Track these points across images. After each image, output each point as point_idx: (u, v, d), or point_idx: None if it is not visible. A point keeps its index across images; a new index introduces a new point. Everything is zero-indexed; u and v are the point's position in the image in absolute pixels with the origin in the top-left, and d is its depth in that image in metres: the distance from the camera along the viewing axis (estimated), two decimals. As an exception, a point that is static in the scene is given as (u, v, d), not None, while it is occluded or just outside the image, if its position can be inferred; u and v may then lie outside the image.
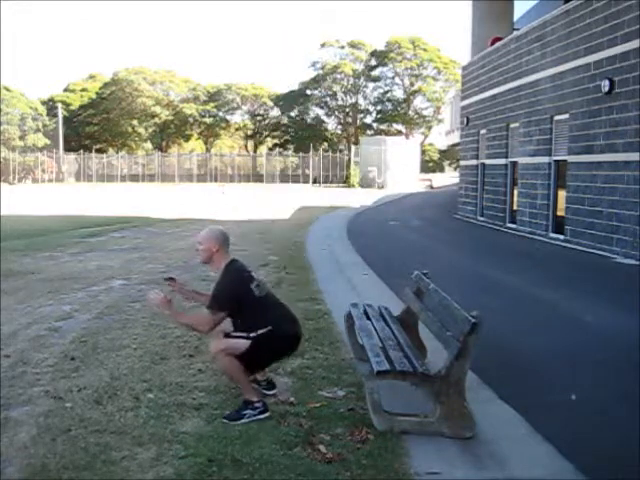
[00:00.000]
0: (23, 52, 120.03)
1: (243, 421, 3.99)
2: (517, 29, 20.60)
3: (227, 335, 4.26)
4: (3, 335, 5.88)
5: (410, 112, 66.12)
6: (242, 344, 4.08)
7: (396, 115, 66.43)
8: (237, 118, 72.92)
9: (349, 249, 13.44)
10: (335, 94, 67.22)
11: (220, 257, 4.38)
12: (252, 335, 4.11)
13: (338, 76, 65.90)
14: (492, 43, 20.79)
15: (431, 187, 46.25)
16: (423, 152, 62.37)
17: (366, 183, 47.21)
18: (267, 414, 4.07)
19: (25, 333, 6.02)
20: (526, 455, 3.70)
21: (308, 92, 67.61)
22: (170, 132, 72.40)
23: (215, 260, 4.40)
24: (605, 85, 13.18)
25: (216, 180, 63.39)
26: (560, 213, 15.65)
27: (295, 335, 4.39)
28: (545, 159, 16.28)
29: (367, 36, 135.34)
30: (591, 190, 13.86)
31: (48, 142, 64.07)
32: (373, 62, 66.07)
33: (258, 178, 63.25)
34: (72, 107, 68.61)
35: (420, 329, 5.23)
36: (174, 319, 4.59)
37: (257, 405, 4.08)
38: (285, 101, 67.96)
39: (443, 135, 40.79)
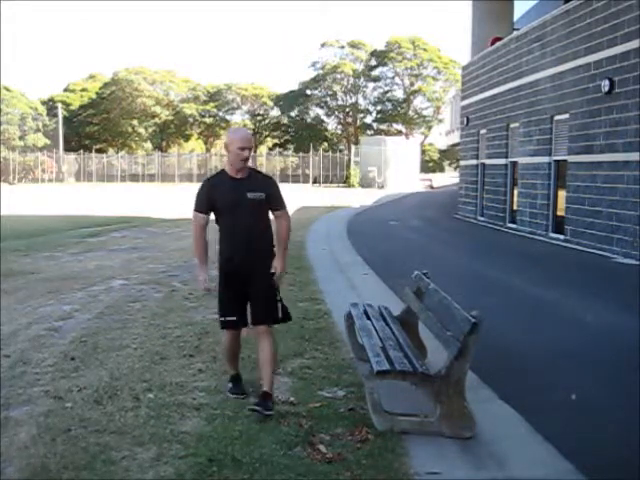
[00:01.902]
0: (23, 52, 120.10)
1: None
2: (517, 29, 20.60)
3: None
4: (3, 335, 5.88)
5: (410, 112, 66.10)
6: None
7: (396, 115, 66.43)
8: (237, 118, 72.91)
9: (349, 249, 13.43)
10: (335, 94, 67.21)
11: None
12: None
13: (338, 76, 65.88)
14: (492, 43, 20.79)
15: (431, 187, 46.26)
16: (423, 152, 62.38)
17: (366, 183, 47.22)
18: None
19: (25, 333, 6.02)
20: (526, 455, 3.70)
21: (308, 92, 67.59)
22: (170, 132, 72.40)
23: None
24: (605, 85, 13.18)
25: (216, 180, 63.25)
26: (560, 213, 15.65)
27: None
28: (545, 159, 16.28)
29: (367, 36, 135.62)
30: (591, 190, 13.85)
31: (48, 142, 64.08)
32: (373, 62, 66.06)
33: (258, 178, 63.14)
34: (72, 107, 68.60)
35: (420, 329, 5.23)
36: None
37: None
38: (285, 101, 67.94)
39: (443, 135, 40.80)
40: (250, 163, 4.44)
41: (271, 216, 4.45)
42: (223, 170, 4.46)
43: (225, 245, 4.32)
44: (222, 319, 4.35)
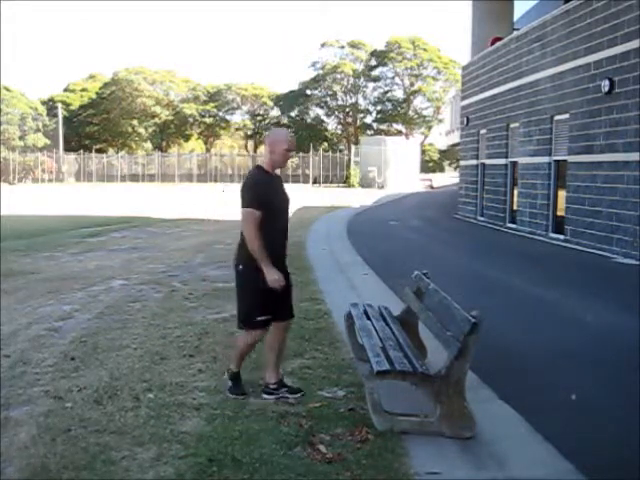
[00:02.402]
0: (23, 52, 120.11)
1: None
2: (517, 29, 20.60)
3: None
4: (3, 335, 5.88)
5: (410, 112, 66.10)
6: None
7: (396, 115, 66.43)
8: (237, 118, 72.97)
9: (349, 249, 13.43)
10: (335, 94, 67.22)
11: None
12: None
13: (338, 76, 65.88)
14: (492, 43, 20.80)
15: (431, 187, 46.24)
16: (423, 152, 62.37)
17: (366, 183, 47.21)
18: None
19: (25, 333, 6.02)
20: (526, 455, 3.70)
21: (308, 92, 67.59)
22: (170, 132, 72.41)
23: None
24: (605, 85, 13.18)
25: (216, 180, 63.37)
26: (560, 213, 15.65)
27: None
28: (545, 159, 16.28)
29: (367, 36, 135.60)
30: (591, 190, 13.85)
31: (48, 142, 64.09)
32: (373, 62, 66.06)
33: (258, 178, 63.17)
34: (72, 107, 68.61)
35: (420, 329, 5.23)
36: None
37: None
38: (285, 101, 67.95)
39: (443, 135, 40.79)
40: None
41: None
42: (261, 168, 4.49)
43: (271, 243, 4.35)
44: (259, 318, 4.38)
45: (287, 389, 4.45)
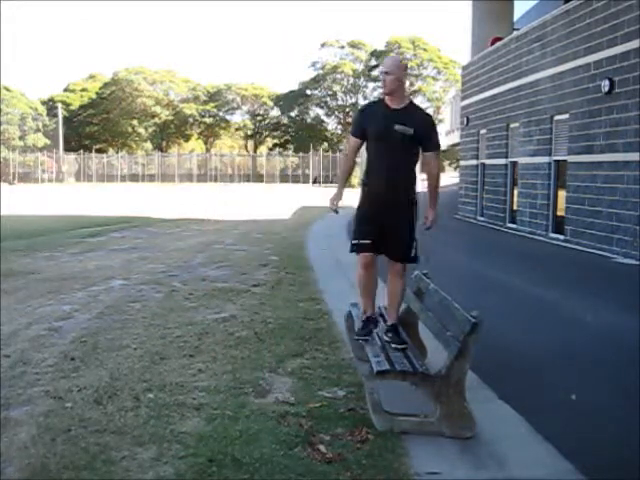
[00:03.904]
0: (23, 52, 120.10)
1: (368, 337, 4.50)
2: (517, 29, 20.60)
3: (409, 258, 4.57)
4: (3, 335, 5.88)
5: (410, 112, 66.03)
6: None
7: (396, 115, 66.38)
8: (237, 118, 73.02)
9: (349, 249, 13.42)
10: (335, 94, 67.25)
11: (403, 91, 4.51)
12: (414, 235, 4.52)
13: (338, 76, 65.91)
14: (492, 43, 20.79)
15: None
16: (423, 152, 62.30)
17: (366, 183, 47.11)
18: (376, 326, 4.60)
19: (25, 333, 6.02)
20: (526, 455, 3.70)
21: (308, 92, 67.62)
22: (170, 132, 72.45)
23: (400, 92, 4.47)
24: (605, 85, 13.18)
25: (216, 180, 63.43)
26: (560, 213, 15.65)
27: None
28: (545, 159, 16.28)
29: (367, 36, 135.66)
30: (591, 190, 13.85)
31: (48, 142, 64.12)
32: (373, 62, 66.07)
33: (258, 178, 63.29)
34: (72, 107, 68.65)
35: (420, 329, 5.23)
36: None
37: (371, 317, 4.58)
38: (285, 101, 67.97)
39: (443, 135, 40.73)
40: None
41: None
42: (382, 99, 4.54)
43: (371, 175, 4.43)
44: (356, 242, 4.44)
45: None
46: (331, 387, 4.60)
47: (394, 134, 4.36)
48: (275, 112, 71.05)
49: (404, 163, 4.45)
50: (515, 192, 18.59)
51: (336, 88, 66.28)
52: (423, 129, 4.45)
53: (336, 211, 4.80)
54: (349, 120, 68.63)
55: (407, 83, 49.89)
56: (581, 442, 3.88)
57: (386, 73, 4.43)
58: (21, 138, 64.45)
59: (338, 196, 4.78)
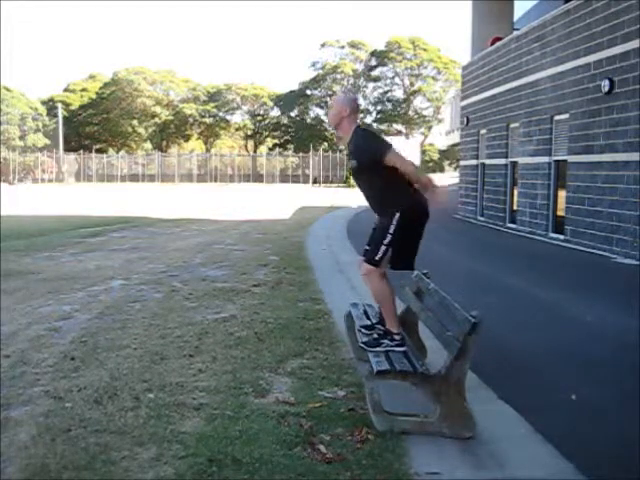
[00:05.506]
0: (23, 52, 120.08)
1: (379, 349, 4.34)
2: (517, 29, 20.60)
3: (369, 260, 4.57)
4: (3, 335, 5.88)
5: (410, 112, 66.15)
6: (388, 254, 4.49)
7: (396, 115, 66.48)
8: (237, 118, 73.08)
9: (349, 249, 13.42)
10: (335, 94, 67.19)
11: (349, 122, 4.64)
12: (387, 241, 4.48)
13: (338, 76, 65.95)
14: (492, 43, 20.80)
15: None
16: (423, 152, 62.39)
17: (366, 183, 47.10)
18: (404, 348, 4.38)
19: (25, 333, 6.02)
20: (526, 455, 3.70)
21: (308, 92, 67.66)
22: (170, 132, 72.50)
23: (344, 124, 4.66)
24: (605, 85, 13.18)
25: (216, 180, 63.42)
26: (560, 213, 15.65)
27: (422, 207, 4.57)
28: (545, 159, 16.28)
29: (367, 36, 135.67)
30: (591, 190, 13.86)
31: (48, 142, 64.14)
32: (373, 62, 66.13)
33: (258, 178, 63.31)
34: (72, 107, 68.68)
35: (420, 329, 5.23)
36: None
37: (396, 337, 4.46)
38: (285, 101, 68.01)
39: (443, 135, 40.79)
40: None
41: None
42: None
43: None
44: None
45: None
46: (331, 387, 4.60)
47: (352, 168, 4.77)
48: (275, 112, 71.10)
49: (370, 188, 4.72)
50: (515, 192, 18.59)
51: (336, 88, 66.26)
52: (361, 151, 4.60)
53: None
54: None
55: (407, 83, 49.41)
56: (581, 442, 3.88)
57: (330, 108, 4.80)
58: (21, 138, 64.47)
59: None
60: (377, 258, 4.56)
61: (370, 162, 4.54)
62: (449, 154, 61.85)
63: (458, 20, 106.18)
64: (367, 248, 4.69)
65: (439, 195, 4.60)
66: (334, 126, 4.78)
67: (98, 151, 68.04)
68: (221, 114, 71.04)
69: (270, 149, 71.71)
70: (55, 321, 6.51)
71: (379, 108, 67.29)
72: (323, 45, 66.92)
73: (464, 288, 8.06)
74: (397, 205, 4.53)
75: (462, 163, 24.58)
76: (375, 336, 4.55)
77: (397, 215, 4.49)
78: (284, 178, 62.77)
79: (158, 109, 69.29)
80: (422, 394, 3.99)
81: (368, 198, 4.79)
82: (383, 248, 4.54)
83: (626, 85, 12.57)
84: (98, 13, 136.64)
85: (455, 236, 17.58)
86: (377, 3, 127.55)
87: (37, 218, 21.01)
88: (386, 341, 4.43)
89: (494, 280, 9.97)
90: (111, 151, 71.25)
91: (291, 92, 67.94)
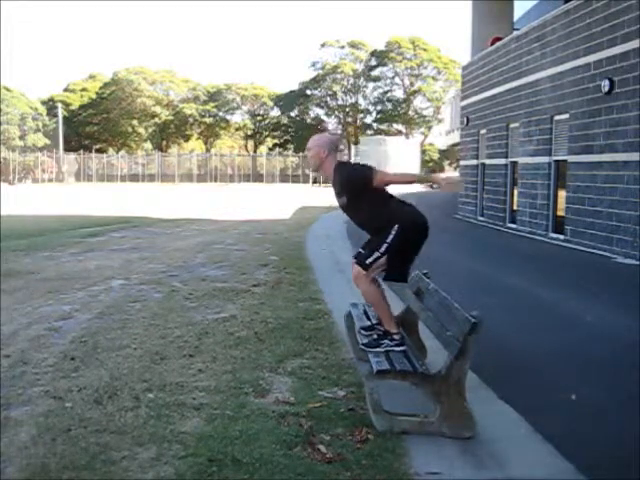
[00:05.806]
0: (23, 52, 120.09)
1: (378, 349, 4.33)
2: (517, 29, 20.60)
3: (360, 262, 4.52)
4: (3, 335, 5.88)
5: (410, 112, 66.16)
6: (380, 262, 4.44)
7: (396, 115, 66.49)
8: (237, 118, 73.09)
9: (349, 249, 13.40)
10: (335, 94, 67.29)
11: (329, 162, 4.67)
12: (383, 250, 4.42)
13: (338, 76, 65.94)
14: (492, 43, 20.79)
15: (431, 187, 46.18)
16: (423, 152, 62.44)
17: (366, 183, 47.19)
18: (403, 348, 4.37)
19: (25, 333, 6.02)
20: (526, 455, 3.70)
21: (308, 92, 67.66)
22: (170, 132, 72.50)
23: (325, 165, 4.68)
24: (605, 85, 13.18)
25: (216, 180, 63.43)
26: (560, 213, 15.65)
27: (423, 224, 4.61)
28: (545, 159, 16.28)
29: (367, 36, 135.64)
30: (591, 190, 13.86)
31: (48, 142, 64.14)
32: (373, 62, 66.12)
33: (258, 178, 63.33)
34: (72, 107, 68.68)
35: (420, 329, 5.23)
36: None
37: (395, 337, 4.44)
38: (285, 101, 68.03)
39: (443, 135, 40.79)
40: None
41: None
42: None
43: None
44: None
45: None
46: (331, 387, 4.60)
47: (342, 205, 4.73)
48: (275, 112, 71.09)
49: (369, 212, 4.65)
50: (515, 192, 18.59)
51: (336, 88, 66.29)
52: (346, 184, 4.62)
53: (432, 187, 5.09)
54: (349, 120, 68.73)
55: (407, 83, 49.40)
56: (581, 442, 3.88)
57: (308, 150, 4.76)
58: (21, 138, 64.46)
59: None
60: (368, 262, 4.53)
61: (358, 191, 4.55)
62: (449, 154, 61.78)
63: (458, 20, 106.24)
64: (361, 251, 4.67)
65: (453, 184, 4.76)
66: (314, 169, 4.77)
67: (98, 151, 68.05)
68: (221, 114, 71.04)
69: (270, 149, 71.73)
70: (55, 321, 6.51)
71: (379, 108, 67.30)
72: (323, 45, 66.94)
73: (464, 288, 8.06)
74: (397, 219, 4.53)
75: (462, 163, 24.58)
76: (375, 337, 4.55)
77: (396, 226, 4.48)
78: (284, 178, 62.80)
79: (158, 109, 69.29)
80: (422, 394, 3.99)
81: (365, 226, 4.75)
82: (377, 254, 4.52)
83: (626, 85, 12.57)
84: (98, 13, 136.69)
85: (455, 236, 17.58)
86: (377, 3, 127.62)
87: (37, 218, 21.01)
88: (386, 341, 4.43)
89: (494, 280, 9.97)
90: (111, 151, 71.28)
91: (291, 92, 67.94)
